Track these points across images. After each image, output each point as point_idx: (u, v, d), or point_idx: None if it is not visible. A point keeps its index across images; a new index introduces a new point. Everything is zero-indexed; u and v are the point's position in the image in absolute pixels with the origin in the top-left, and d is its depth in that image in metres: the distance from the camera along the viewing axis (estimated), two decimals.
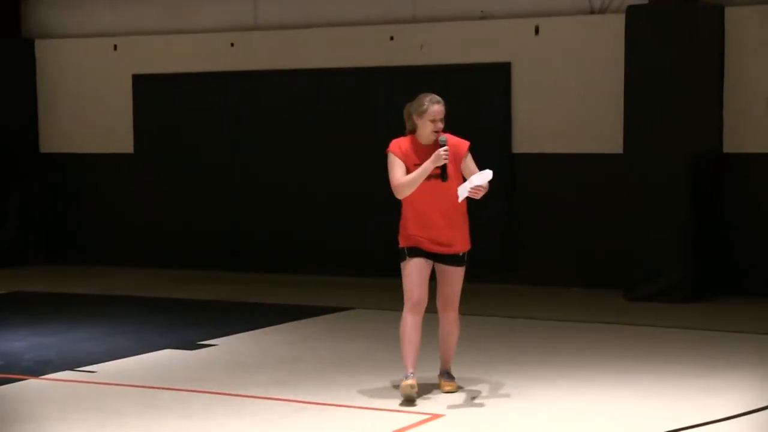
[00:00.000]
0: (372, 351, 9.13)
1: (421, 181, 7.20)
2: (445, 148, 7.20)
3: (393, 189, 7.27)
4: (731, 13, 11.42)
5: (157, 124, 13.95)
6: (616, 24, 11.62)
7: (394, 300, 11.44)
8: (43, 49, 14.54)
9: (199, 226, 13.79)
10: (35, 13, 14.70)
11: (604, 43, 11.86)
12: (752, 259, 11.46)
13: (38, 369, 8.51)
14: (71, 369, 8.49)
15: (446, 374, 7.67)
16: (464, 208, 7.45)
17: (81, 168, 14.45)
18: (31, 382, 8.16)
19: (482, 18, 12.50)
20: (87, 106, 14.35)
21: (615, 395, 7.59)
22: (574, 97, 12.05)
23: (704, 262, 11.34)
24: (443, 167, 7.21)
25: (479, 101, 12.40)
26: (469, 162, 7.42)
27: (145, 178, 14.03)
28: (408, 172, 7.24)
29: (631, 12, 11.33)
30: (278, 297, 11.81)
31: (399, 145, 7.35)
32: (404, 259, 7.35)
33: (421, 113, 7.30)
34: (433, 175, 7.22)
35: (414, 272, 7.31)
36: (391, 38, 12.81)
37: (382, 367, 8.41)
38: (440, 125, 7.31)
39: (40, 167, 14.57)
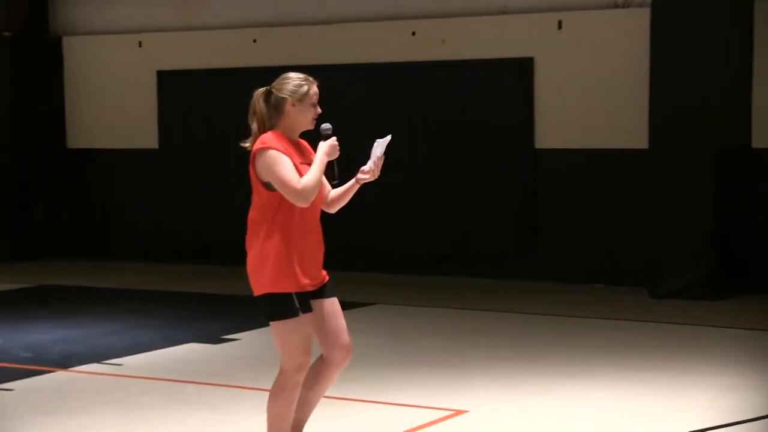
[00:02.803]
0: (393, 346, 9.16)
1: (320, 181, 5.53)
2: (333, 137, 5.68)
3: (295, 195, 5.45)
4: (760, 6, 11.34)
5: (181, 119, 14.02)
6: (641, 18, 11.60)
7: (415, 296, 11.52)
8: (69, 46, 14.63)
9: (222, 221, 13.82)
10: (62, 11, 14.80)
11: (628, 37, 11.83)
12: None
13: (66, 362, 8.61)
14: (98, 362, 8.57)
15: None
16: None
17: (106, 163, 14.54)
18: (59, 374, 8.25)
19: (504, 13, 12.49)
20: (112, 102, 14.44)
21: (638, 393, 7.59)
22: (597, 92, 12.02)
23: (730, 259, 11.29)
24: (331, 163, 5.68)
25: (501, 96, 12.40)
26: None
27: (170, 173, 14.10)
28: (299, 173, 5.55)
29: (656, 6, 11.30)
30: None
31: (276, 139, 5.58)
32: (294, 313, 5.52)
33: (301, 96, 5.60)
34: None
35: (307, 333, 5.62)
36: (413, 33, 12.82)
37: (404, 362, 8.44)
38: (319, 110, 5.73)
39: (66, 162, 14.66)
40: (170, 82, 14.03)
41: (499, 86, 12.42)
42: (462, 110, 12.52)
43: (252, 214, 5.70)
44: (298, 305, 5.56)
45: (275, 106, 5.67)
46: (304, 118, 5.68)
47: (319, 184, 5.56)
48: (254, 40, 13.59)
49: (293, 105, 5.64)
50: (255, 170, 5.61)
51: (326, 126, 5.73)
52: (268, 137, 5.60)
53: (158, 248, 14.17)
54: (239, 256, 15.06)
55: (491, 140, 12.43)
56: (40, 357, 8.79)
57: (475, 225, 12.59)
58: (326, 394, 7.41)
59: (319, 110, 5.73)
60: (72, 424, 6.93)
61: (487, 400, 7.38)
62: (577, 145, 12.19)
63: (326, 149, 5.64)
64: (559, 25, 12.20)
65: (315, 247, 5.68)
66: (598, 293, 11.67)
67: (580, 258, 12.18)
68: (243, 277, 14.26)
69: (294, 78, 5.68)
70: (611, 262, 12.03)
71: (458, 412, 7.07)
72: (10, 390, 7.75)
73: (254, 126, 5.71)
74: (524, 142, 12.32)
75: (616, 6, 12.06)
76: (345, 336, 5.83)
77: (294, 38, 13.40)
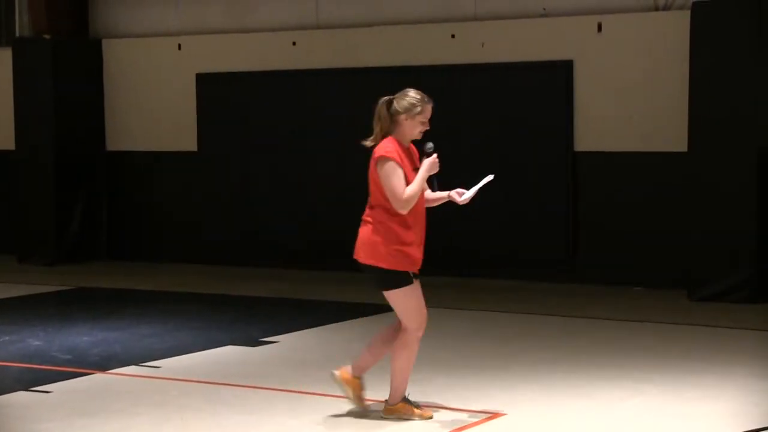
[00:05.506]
0: (432, 348, 9.13)
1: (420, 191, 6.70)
2: (435, 155, 6.72)
3: (399, 202, 6.60)
4: None
5: (220, 121, 14.06)
6: (681, 21, 11.52)
7: (454, 298, 11.49)
8: (109, 48, 14.72)
9: (262, 224, 13.88)
10: (102, 14, 14.89)
11: (668, 39, 11.75)
12: None
13: (104, 364, 8.65)
14: (136, 364, 8.61)
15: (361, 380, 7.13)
16: None
17: (146, 165, 14.61)
18: (98, 377, 8.29)
19: (544, 15, 12.45)
20: (151, 105, 14.51)
21: (678, 396, 7.54)
22: (637, 95, 11.95)
23: None
24: (431, 177, 6.77)
25: (541, 99, 12.36)
26: None
27: (209, 175, 14.15)
28: (407, 180, 6.66)
29: (697, 8, 11.22)
30: (340, 294, 11.86)
31: (395, 149, 6.68)
32: (406, 283, 6.73)
33: (415, 114, 6.71)
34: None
35: (420, 296, 6.84)
36: (453, 36, 12.80)
37: (442, 364, 8.42)
38: (428, 126, 6.79)
39: (106, 165, 14.75)
40: (209, 85, 14.09)
41: (539, 89, 12.38)
42: (501, 113, 12.49)
43: (374, 200, 6.75)
44: (410, 277, 6.72)
45: (392, 115, 6.72)
46: (413, 131, 6.75)
47: (419, 195, 6.64)
48: (294, 43, 13.62)
49: (406, 119, 6.69)
50: (376, 169, 6.65)
51: (429, 145, 6.71)
52: (388, 146, 6.67)
53: (197, 250, 14.22)
54: (277, 258, 15.05)
55: (530, 143, 12.38)
56: (79, 359, 8.85)
57: (513, 228, 12.55)
58: (366, 397, 7.45)
59: (428, 127, 6.74)
60: (110, 427, 6.96)
61: (525, 402, 7.35)
62: (617, 147, 12.12)
63: (428, 166, 6.67)
64: (599, 27, 12.14)
65: (423, 235, 6.81)
66: (637, 296, 11.60)
67: (620, 261, 12.11)
68: (282, 279, 14.31)
69: (411, 95, 6.73)
70: (650, 265, 11.95)
71: (495, 415, 7.06)
72: (49, 392, 7.80)
73: (377, 129, 6.76)
74: (564, 144, 12.27)
75: (656, 8, 11.98)
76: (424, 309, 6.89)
77: (333, 41, 13.42)
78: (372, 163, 6.70)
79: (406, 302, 6.78)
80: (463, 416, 7.04)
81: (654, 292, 11.71)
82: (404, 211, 6.62)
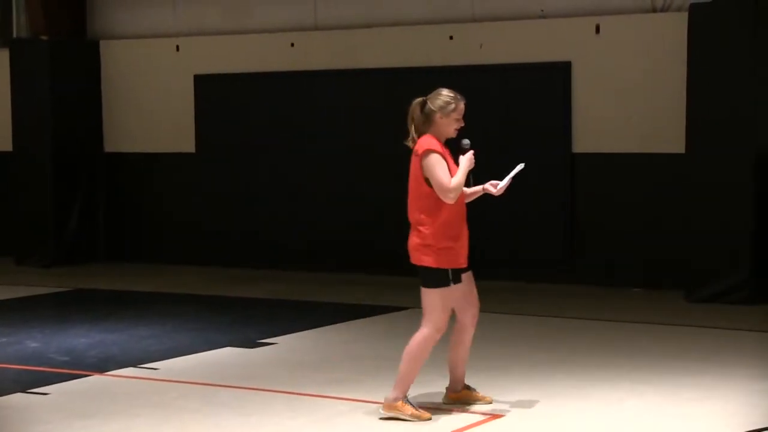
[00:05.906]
0: (432, 349, 9.11)
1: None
2: (471, 152, 6.94)
3: (446, 191, 6.77)
4: None
5: (218, 123, 14.06)
6: (678, 22, 11.52)
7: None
8: (107, 50, 14.71)
9: (260, 225, 13.88)
10: (100, 15, 14.89)
11: (665, 41, 11.75)
12: None
13: (102, 365, 8.64)
14: (134, 366, 8.60)
15: (469, 387, 7.40)
16: None
17: (144, 167, 14.60)
18: (96, 378, 8.28)
19: (542, 17, 12.45)
20: (150, 106, 14.50)
21: (676, 397, 7.53)
22: (635, 97, 11.96)
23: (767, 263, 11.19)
24: (468, 173, 6.96)
25: (539, 101, 12.36)
26: None
27: (207, 177, 14.14)
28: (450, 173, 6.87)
29: (694, 10, 11.22)
30: (338, 296, 11.85)
31: (438, 144, 6.88)
32: (444, 284, 6.89)
33: (449, 112, 6.89)
34: None
35: (454, 300, 7.01)
36: (451, 38, 12.80)
37: (439, 366, 8.41)
38: (462, 123, 6.99)
39: (104, 166, 14.74)
40: (207, 86, 14.09)
41: (537, 90, 12.38)
42: (500, 114, 12.48)
43: (415, 200, 6.90)
44: (451, 278, 6.86)
45: (427, 115, 6.91)
46: (449, 129, 6.94)
47: (462, 186, 6.85)
48: (292, 44, 13.62)
49: (441, 118, 6.87)
50: (421, 167, 6.81)
51: (466, 142, 6.94)
52: (431, 141, 6.85)
53: (195, 252, 14.22)
54: (277, 258, 15.01)
55: (528, 144, 12.38)
56: (77, 361, 8.84)
57: (511, 229, 12.54)
58: (361, 398, 7.44)
59: (462, 124, 6.94)
60: (108, 428, 6.95)
61: (523, 404, 7.35)
62: (615, 149, 12.12)
63: (467, 162, 6.89)
64: (597, 29, 12.14)
65: (466, 230, 7.01)
66: (636, 297, 11.60)
67: (618, 262, 12.11)
68: (280, 280, 14.29)
69: (444, 95, 6.91)
70: (648, 266, 11.95)
71: (494, 416, 7.05)
72: (47, 394, 7.79)
73: (412, 129, 6.94)
74: (562, 146, 12.26)
75: (654, 10, 11.99)
76: (475, 309, 7.18)
77: (331, 42, 13.42)
78: (415, 159, 6.86)
79: (437, 302, 6.90)
80: (463, 417, 7.04)
81: (653, 292, 11.71)
82: (451, 201, 6.79)
